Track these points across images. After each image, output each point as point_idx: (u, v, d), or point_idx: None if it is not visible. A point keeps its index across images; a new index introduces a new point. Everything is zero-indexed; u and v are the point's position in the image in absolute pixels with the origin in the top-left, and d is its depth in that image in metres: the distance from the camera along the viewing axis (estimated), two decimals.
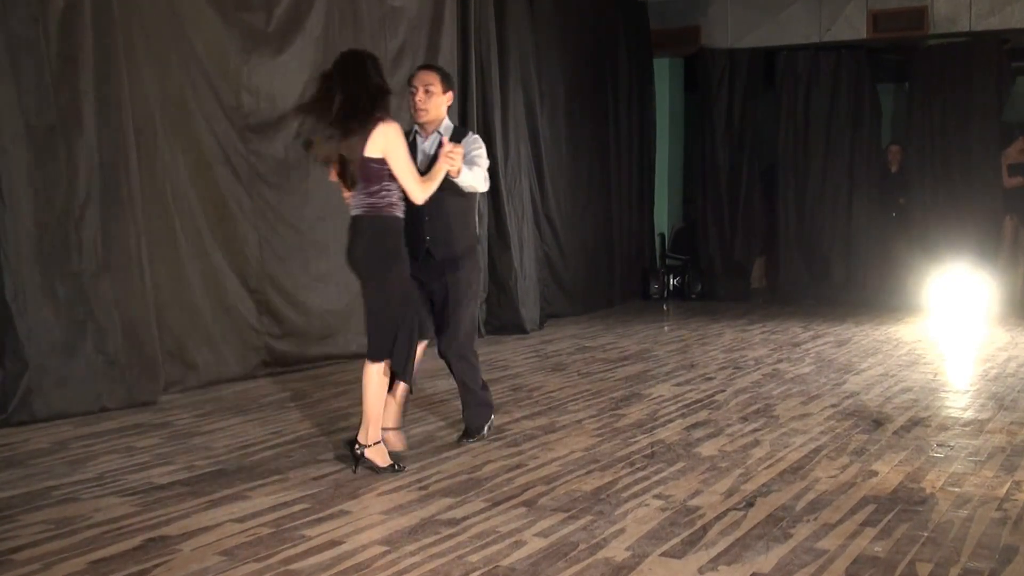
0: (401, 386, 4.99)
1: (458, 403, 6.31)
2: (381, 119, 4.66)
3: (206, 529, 3.91)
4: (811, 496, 4.38)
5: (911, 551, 3.69)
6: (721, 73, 12.92)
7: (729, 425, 5.77)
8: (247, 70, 7.17)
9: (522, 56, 9.93)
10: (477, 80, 9.30)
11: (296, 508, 4.18)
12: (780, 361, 8.06)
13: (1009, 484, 4.57)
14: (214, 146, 6.97)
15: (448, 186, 4.93)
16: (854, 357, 8.25)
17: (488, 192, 9.28)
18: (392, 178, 4.72)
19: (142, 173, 6.34)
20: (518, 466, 4.85)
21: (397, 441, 5.01)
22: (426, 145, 5.15)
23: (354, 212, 4.85)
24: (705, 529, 3.93)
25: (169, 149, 6.63)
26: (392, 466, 4.73)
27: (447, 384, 7.03)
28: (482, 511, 4.14)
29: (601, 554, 3.64)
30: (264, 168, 7.31)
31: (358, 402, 6.36)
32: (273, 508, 4.18)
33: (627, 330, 9.92)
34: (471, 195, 5.20)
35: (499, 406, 6.26)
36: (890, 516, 4.10)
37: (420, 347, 5.00)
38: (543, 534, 3.85)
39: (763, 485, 4.54)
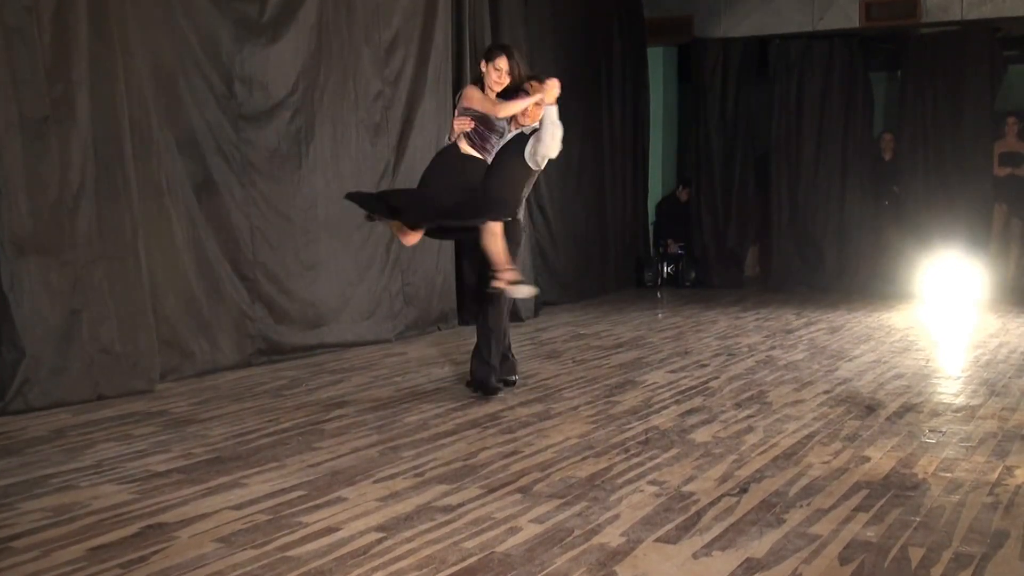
0: None
1: (455, 389, 6.38)
2: None
3: (203, 516, 3.93)
4: (804, 482, 4.41)
5: (903, 536, 3.72)
6: (714, 62, 12.95)
7: (723, 411, 5.80)
8: (240, 59, 7.17)
9: (515, 45, 9.92)
10: (471, 69, 9.30)
11: (293, 495, 4.20)
12: (773, 348, 8.10)
13: (1000, 469, 4.61)
14: (207, 135, 6.97)
15: None
16: (847, 344, 8.29)
17: None
18: None
19: (137, 162, 6.34)
20: (513, 453, 4.88)
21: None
22: None
23: None
24: (699, 515, 3.95)
25: (163, 138, 6.64)
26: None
27: (440, 372, 7.07)
28: (478, 498, 4.16)
29: (596, 540, 3.67)
30: (256, 157, 7.32)
31: (354, 389, 6.44)
32: (270, 495, 4.20)
33: (622, 317, 9.95)
34: None
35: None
36: (882, 501, 4.13)
37: None
38: (538, 520, 3.88)
39: (757, 471, 4.57)
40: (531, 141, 6.01)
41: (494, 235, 5.86)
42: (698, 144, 13.20)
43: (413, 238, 6.16)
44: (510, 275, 5.84)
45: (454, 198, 5.89)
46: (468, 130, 6.01)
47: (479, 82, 6.20)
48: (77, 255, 5.99)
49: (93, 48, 6.05)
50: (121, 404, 5.96)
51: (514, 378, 6.43)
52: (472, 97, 6.01)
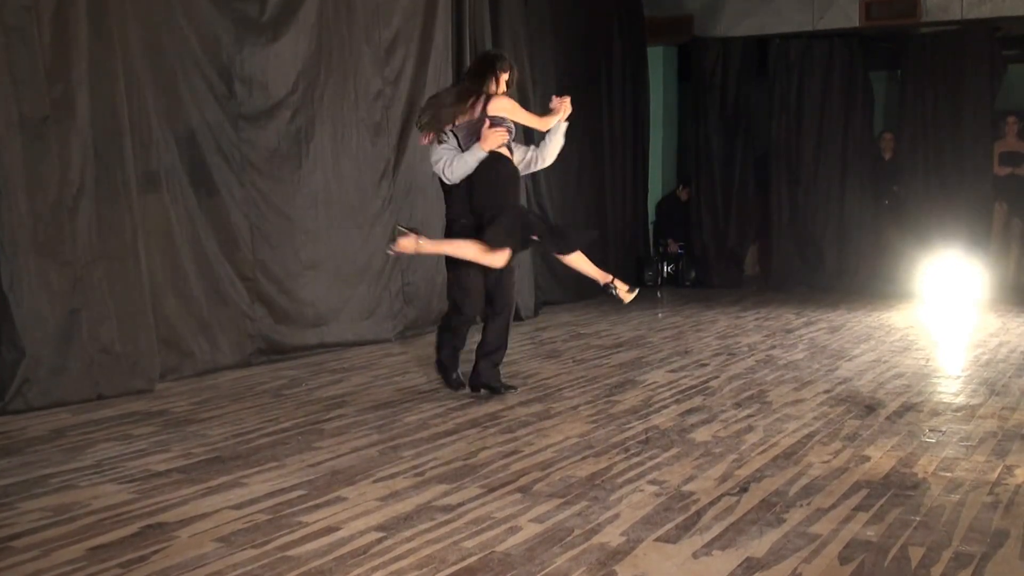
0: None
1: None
2: None
3: (203, 516, 3.93)
4: (804, 481, 4.41)
5: (903, 535, 3.72)
6: (714, 62, 12.94)
7: (723, 411, 5.80)
8: (240, 59, 7.17)
9: (515, 45, 9.94)
10: None
11: (293, 495, 4.20)
12: (773, 347, 8.10)
13: (1000, 469, 4.61)
14: (207, 135, 6.97)
15: None
16: (847, 343, 8.29)
17: None
18: None
19: (137, 162, 6.35)
20: (513, 452, 4.88)
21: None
22: None
23: None
24: (699, 514, 3.96)
25: (163, 138, 6.64)
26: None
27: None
28: (478, 497, 4.17)
29: (596, 539, 3.67)
30: (256, 157, 7.32)
31: (354, 389, 6.44)
32: (270, 495, 4.20)
33: (621, 317, 9.95)
34: None
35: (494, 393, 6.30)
36: (883, 501, 4.13)
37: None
38: (538, 520, 3.88)
39: (757, 470, 4.57)
40: (517, 150, 6.24)
41: (578, 254, 6.30)
42: (698, 144, 13.19)
43: (504, 257, 6.04)
44: (622, 283, 6.37)
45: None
46: (507, 141, 5.98)
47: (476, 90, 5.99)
48: (77, 255, 6.00)
49: (93, 48, 6.05)
50: (121, 404, 5.96)
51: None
52: (517, 110, 5.99)
